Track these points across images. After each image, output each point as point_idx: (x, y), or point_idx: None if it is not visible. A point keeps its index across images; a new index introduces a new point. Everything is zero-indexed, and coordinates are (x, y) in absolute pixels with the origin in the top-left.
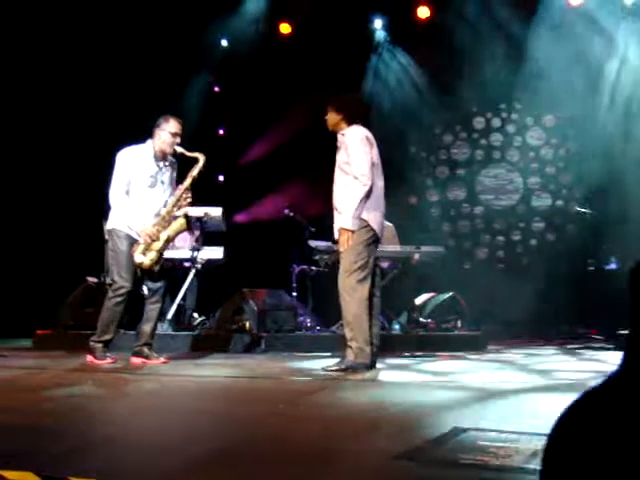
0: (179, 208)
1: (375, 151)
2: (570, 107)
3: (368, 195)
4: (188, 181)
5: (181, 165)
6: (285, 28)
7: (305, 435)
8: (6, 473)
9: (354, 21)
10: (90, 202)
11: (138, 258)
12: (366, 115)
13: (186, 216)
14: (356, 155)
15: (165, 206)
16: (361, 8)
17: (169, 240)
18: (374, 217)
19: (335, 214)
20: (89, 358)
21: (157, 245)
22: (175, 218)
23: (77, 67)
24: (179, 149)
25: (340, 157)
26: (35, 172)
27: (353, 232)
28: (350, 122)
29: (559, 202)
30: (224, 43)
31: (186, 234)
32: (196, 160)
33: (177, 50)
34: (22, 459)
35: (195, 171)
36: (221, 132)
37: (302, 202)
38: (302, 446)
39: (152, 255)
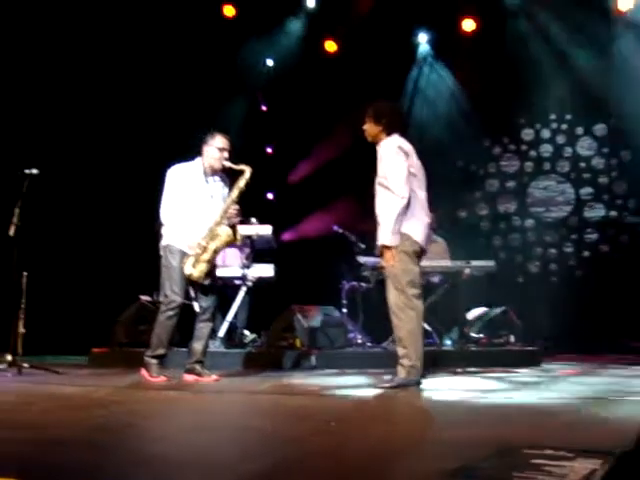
0: (227, 219)
1: (413, 161)
2: (621, 115)
3: (407, 208)
4: (235, 193)
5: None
6: (330, 46)
7: (356, 452)
8: None
9: (399, 36)
10: (143, 221)
11: (187, 270)
12: (404, 123)
13: (233, 227)
14: (391, 167)
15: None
16: (406, 23)
17: (217, 251)
18: (416, 228)
19: (378, 230)
20: (143, 372)
21: (206, 256)
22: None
23: (128, 88)
24: (227, 163)
25: (378, 171)
26: (89, 192)
27: (395, 248)
28: (389, 132)
29: (612, 212)
30: (269, 62)
31: (237, 252)
32: (242, 172)
33: (225, 70)
34: (74, 473)
35: (242, 182)
36: (269, 150)
37: (351, 218)
38: (354, 463)
39: (201, 267)
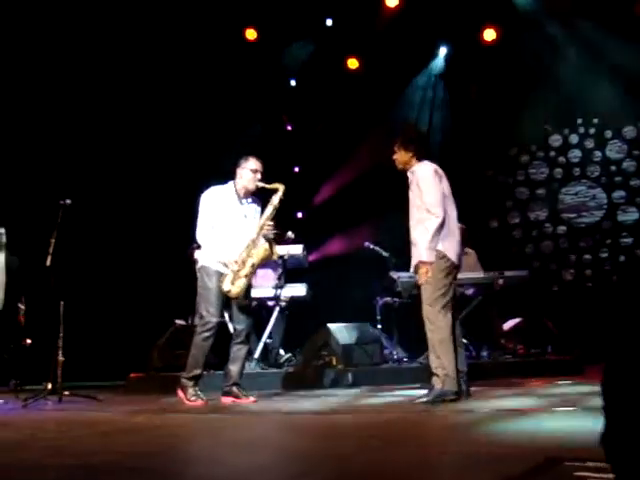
0: (263, 236)
1: (445, 183)
2: None
3: (442, 226)
4: (269, 209)
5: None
6: (352, 63)
7: (398, 470)
8: None
9: (420, 50)
10: (176, 246)
11: (226, 286)
12: (428, 147)
13: (270, 243)
14: (427, 189)
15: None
16: (427, 37)
17: (255, 266)
18: (450, 246)
19: (412, 249)
20: (179, 393)
21: (244, 272)
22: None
23: (159, 114)
24: (260, 184)
25: (413, 195)
26: (123, 220)
27: (431, 264)
28: (419, 157)
29: None
30: (293, 83)
31: (269, 272)
32: (276, 190)
33: (250, 92)
34: None
35: (276, 200)
36: (296, 170)
37: (380, 235)
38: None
39: (240, 282)
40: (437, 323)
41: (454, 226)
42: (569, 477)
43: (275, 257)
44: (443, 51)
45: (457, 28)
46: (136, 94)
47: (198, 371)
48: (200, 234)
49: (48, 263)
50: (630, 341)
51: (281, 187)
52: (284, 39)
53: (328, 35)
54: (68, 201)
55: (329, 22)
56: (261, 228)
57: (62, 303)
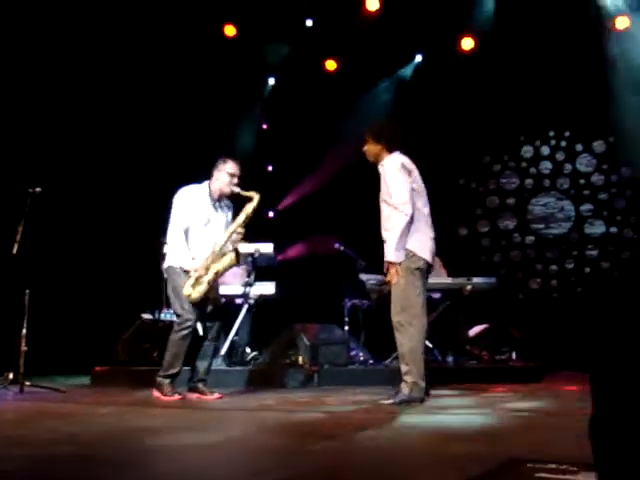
0: (232, 243)
1: (415, 177)
2: (621, 131)
3: (411, 224)
4: (242, 218)
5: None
6: (331, 65)
7: (361, 468)
8: None
9: (398, 55)
10: (144, 240)
11: (187, 290)
12: (403, 140)
13: (236, 251)
14: (394, 184)
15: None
16: (405, 43)
17: (218, 274)
18: (420, 244)
19: (384, 247)
20: (156, 394)
21: (207, 278)
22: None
23: (132, 107)
24: (235, 189)
25: (381, 189)
26: (91, 211)
27: (400, 264)
28: (390, 150)
29: (613, 229)
30: (271, 81)
31: (238, 270)
32: (250, 199)
33: (226, 89)
34: None
35: (249, 208)
36: (269, 168)
37: (351, 236)
38: (359, 478)
39: (201, 288)
40: (408, 329)
41: (425, 222)
42: (529, 478)
43: (240, 264)
44: (418, 58)
45: (434, 36)
46: (111, 84)
47: (176, 369)
48: (171, 235)
49: (15, 251)
50: (615, 332)
51: (256, 196)
52: (264, 36)
53: (307, 35)
54: (38, 189)
55: (309, 22)
56: (230, 235)
57: (27, 292)
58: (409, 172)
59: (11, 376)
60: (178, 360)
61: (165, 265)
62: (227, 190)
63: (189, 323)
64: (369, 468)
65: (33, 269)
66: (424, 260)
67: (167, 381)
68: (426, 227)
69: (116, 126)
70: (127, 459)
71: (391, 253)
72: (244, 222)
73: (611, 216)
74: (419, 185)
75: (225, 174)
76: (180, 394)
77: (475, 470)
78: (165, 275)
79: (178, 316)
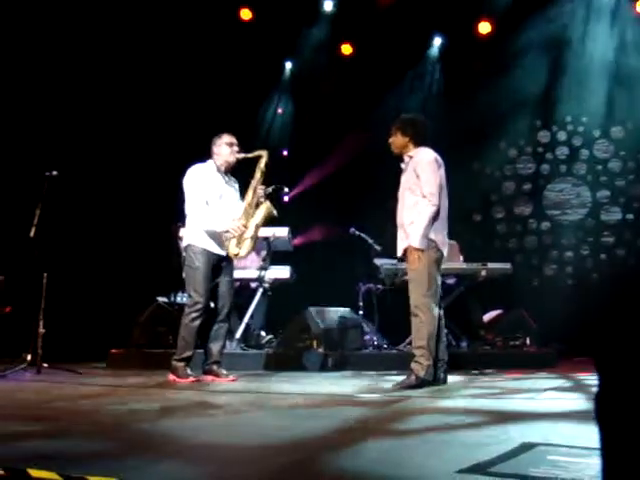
0: (258, 198)
1: (442, 173)
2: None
3: (436, 215)
4: (258, 174)
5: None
6: (347, 49)
7: (373, 450)
8: (95, 479)
9: (415, 40)
10: (160, 223)
11: (233, 250)
12: (428, 135)
13: (269, 199)
14: (428, 176)
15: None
16: (423, 26)
17: (259, 227)
18: (441, 238)
19: (400, 233)
20: (171, 377)
21: (249, 233)
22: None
23: (146, 92)
24: (240, 155)
25: (407, 178)
26: (108, 195)
27: (423, 251)
28: (417, 144)
29: (629, 216)
30: (288, 65)
31: (253, 254)
32: (260, 157)
33: (241, 74)
34: (96, 463)
35: (262, 164)
36: (285, 153)
37: (367, 221)
38: (370, 460)
39: (247, 244)
40: (428, 314)
41: (445, 218)
42: (541, 460)
43: (275, 213)
44: (438, 41)
45: (452, 20)
46: (128, 69)
47: (189, 352)
48: (194, 211)
49: (32, 234)
50: (623, 300)
51: (264, 152)
52: (280, 20)
53: (324, 19)
54: (54, 172)
55: (328, 5)
56: (254, 191)
57: (45, 275)
58: (439, 167)
59: (29, 357)
60: (190, 343)
61: (184, 243)
62: (232, 159)
63: (199, 306)
64: (377, 452)
65: (50, 252)
66: (442, 253)
67: (182, 364)
68: (445, 222)
69: (133, 111)
70: (140, 438)
71: (417, 239)
72: (261, 177)
73: (628, 203)
74: (444, 182)
75: (224, 146)
76: (195, 376)
77: (487, 454)
78: (183, 254)
79: (190, 298)
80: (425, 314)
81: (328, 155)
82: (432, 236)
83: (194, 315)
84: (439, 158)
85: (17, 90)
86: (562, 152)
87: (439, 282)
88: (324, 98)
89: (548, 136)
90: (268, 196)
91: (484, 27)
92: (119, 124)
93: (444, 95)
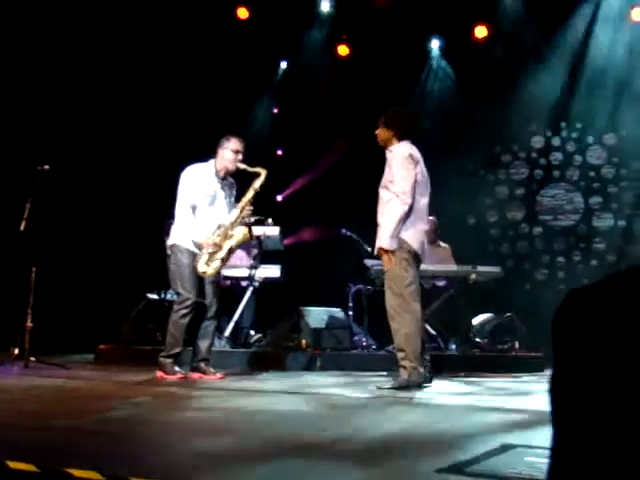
0: (242, 219)
1: (420, 168)
2: (633, 124)
3: (408, 214)
4: (250, 193)
5: (244, 181)
6: (343, 50)
7: (356, 449)
8: (74, 471)
9: (412, 42)
10: (150, 220)
11: (201, 267)
12: (417, 130)
13: (249, 226)
14: (399, 173)
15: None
16: (419, 29)
17: (232, 250)
18: (413, 235)
19: (378, 231)
20: (159, 374)
21: (220, 254)
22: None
23: (142, 87)
24: (241, 165)
25: (385, 174)
26: (98, 190)
27: (393, 252)
28: (400, 138)
29: (621, 222)
30: (283, 65)
31: (244, 253)
32: (258, 174)
33: (238, 72)
34: (84, 459)
35: (257, 184)
36: (279, 153)
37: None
38: (353, 459)
39: (215, 264)
40: (403, 315)
41: (422, 215)
42: (520, 460)
43: (253, 240)
44: (435, 44)
45: (449, 23)
46: (123, 65)
47: (178, 349)
48: (179, 213)
49: (22, 228)
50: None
51: (263, 172)
52: (276, 20)
53: (320, 19)
54: (46, 167)
55: (325, 6)
56: (241, 211)
57: (34, 269)
58: (416, 163)
59: (17, 352)
60: (179, 340)
61: (170, 242)
62: (232, 167)
63: (188, 302)
64: (360, 451)
65: (40, 246)
66: (414, 250)
67: (169, 361)
68: (420, 219)
69: (126, 107)
70: (126, 432)
71: (385, 240)
72: (253, 198)
73: (620, 209)
74: (422, 177)
75: (229, 151)
76: (182, 373)
77: (466, 454)
78: (169, 252)
79: (178, 295)
80: (400, 315)
81: (321, 155)
82: (403, 235)
83: (184, 312)
84: (415, 153)
85: (9, 83)
86: (556, 158)
87: (414, 280)
88: (320, 98)
89: (542, 142)
90: (248, 224)
91: (480, 31)
92: (113, 119)
93: (439, 98)
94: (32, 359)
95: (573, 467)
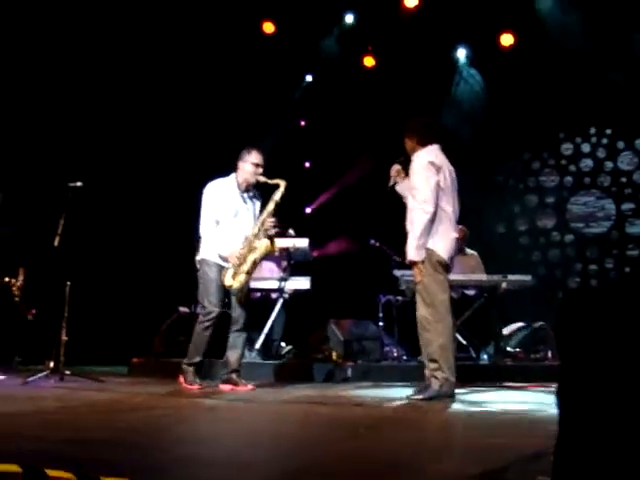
0: (264, 232)
1: (445, 174)
2: None
3: (433, 221)
4: (271, 206)
5: (268, 193)
6: (369, 61)
7: (382, 456)
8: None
9: (438, 51)
10: (182, 235)
11: (228, 281)
12: (437, 134)
13: (271, 239)
14: (419, 181)
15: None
16: (446, 38)
17: (256, 263)
18: (442, 244)
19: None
20: (181, 379)
21: (245, 268)
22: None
23: (171, 104)
24: (261, 178)
25: (411, 182)
26: (131, 205)
27: (422, 262)
28: (423, 144)
29: None
30: (309, 78)
31: (274, 265)
32: (277, 186)
33: (264, 85)
34: (112, 469)
35: (277, 196)
36: (307, 165)
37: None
38: (378, 466)
39: (241, 277)
40: (436, 326)
41: (449, 222)
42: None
43: (276, 252)
44: (462, 52)
45: (476, 31)
46: (152, 81)
47: (198, 358)
48: (203, 228)
49: (56, 244)
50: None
51: (282, 183)
52: (302, 33)
53: (346, 31)
54: (79, 183)
55: (349, 18)
56: (262, 224)
57: (68, 284)
58: (438, 169)
59: (52, 365)
60: (200, 350)
61: (199, 257)
62: (252, 180)
63: (212, 315)
64: (386, 458)
65: (74, 261)
66: (443, 259)
67: (191, 369)
68: (448, 227)
69: (158, 123)
70: (153, 443)
71: (412, 252)
72: (274, 210)
73: None
74: (447, 183)
75: (250, 164)
76: (200, 384)
77: (496, 462)
78: (198, 266)
79: (203, 307)
80: (432, 325)
81: (349, 166)
82: (431, 245)
83: (207, 324)
84: (438, 159)
85: (43, 101)
86: (586, 164)
87: (445, 289)
88: (347, 110)
89: (572, 148)
90: (270, 236)
91: (506, 39)
92: (144, 136)
93: (471, 107)
94: (67, 372)
95: (576, 466)
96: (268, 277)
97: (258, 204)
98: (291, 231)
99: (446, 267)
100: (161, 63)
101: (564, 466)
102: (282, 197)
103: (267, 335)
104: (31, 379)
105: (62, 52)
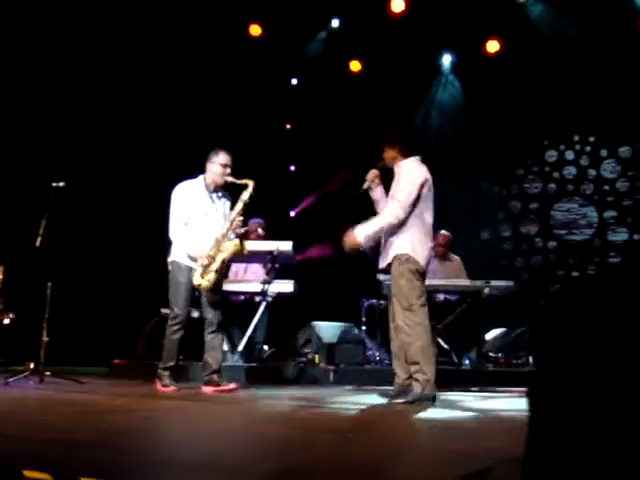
0: (233, 231)
1: (429, 186)
2: None
3: (397, 227)
4: (239, 205)
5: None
6: (355, 65)
7: (364, 460)
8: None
9: (423, 57)
10: (164, 236)
11: (196, 280)
12: (419, 144)
13: (240, 238)
14: (407, 186)
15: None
16: (431, 44)
17: (225, 262)
18: (422, 253)
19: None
20: (158, 384)
21: (214, 266)
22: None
23: (150, 106)
24: (229, 179)
25: (392, 187)
26: (113, 207)
27: (358, 245)
28: (405, 155)
29: (636, 236)
30: (294, 81)
31: (258, 268)
32: (246, 186)
33: (249, 88)
34: (92, 471)
35: (245, 196)
36: (292, 168)
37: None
38: (360, 469)
39: (210, 276)
40: (415, 329)
41: (427, 232)
42: None
43: (245, 252)
44: (447, 59)
45: (461, 37)
46: (133, 83)
47: (172, 362)
48: (172, 230)
49: (38, 244)
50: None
51: (251, 183)
52: (289, 36)
53: (332, 35)
54: (61, 184)
55: (335, 22)
56: (231, 223)
57: (49, 284)
58: (425, 181)
59: (32, 366)
60: (172, 354)
61: (170, 258)
62: (220, 181)
63: (179, 319)
64: (369, 462)
65: (55, 262)
66: (421, 266)
67: (166, 373)
68: (426, 237)
69: (141, 124)
70: (135, 445)
71: (362, 235)
72: (242, 209)
73: (635, 223)
74: (428, 196)
75: (217, 165)
76: (176, 387)
77: (476, 466)
78: (169, 268)
79: (172, 310)
80: (412, 328)
81: (334, 171)
82: (407, 250)
83: (175, 328)
84: (425, 171)
85: (25, 101)
86: (569, 172)
87: (422, 293)
88: (332, 114)
89: (555, 155)
90: (239, 236)
91: (492, 45)
92: (127, 137)
93: (452, 113)
94: (47, 373)
95: (543, 467)
96: (252, 280)
97: (228, 204)
98: (260, 231)
99: (423, 275)
100: (145, 65)
101: (532, 468)
102: (250, 197)
103: (250, 338)
104: (11, 380)
105: (44, 54)
